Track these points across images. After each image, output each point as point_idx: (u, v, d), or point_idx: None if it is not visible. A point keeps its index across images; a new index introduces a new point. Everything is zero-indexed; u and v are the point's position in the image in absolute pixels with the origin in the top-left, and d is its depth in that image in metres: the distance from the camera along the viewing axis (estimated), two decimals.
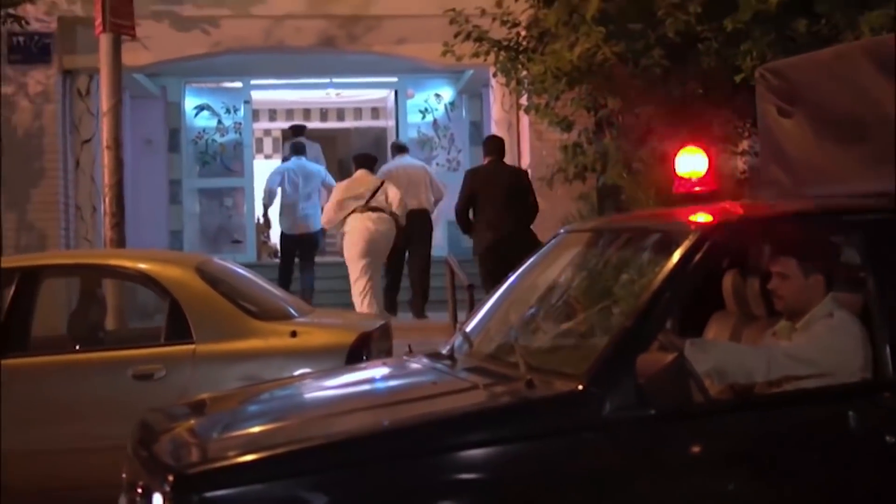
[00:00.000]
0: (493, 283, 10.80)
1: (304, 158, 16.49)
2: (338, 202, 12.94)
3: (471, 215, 12.57)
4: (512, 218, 12.22)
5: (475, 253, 12.63)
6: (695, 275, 4.78)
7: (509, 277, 6.12)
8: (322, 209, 14.10)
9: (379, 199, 12.81)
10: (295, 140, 17.35)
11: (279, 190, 16.25)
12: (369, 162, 13.48)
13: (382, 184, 13.00)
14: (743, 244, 5.51)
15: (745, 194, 11.51)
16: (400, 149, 15.57)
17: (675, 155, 6.35)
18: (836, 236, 5.24)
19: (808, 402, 4.76)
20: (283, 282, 15.01)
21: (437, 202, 14.94)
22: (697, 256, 4.69)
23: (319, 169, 16.65)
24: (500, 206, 12.26)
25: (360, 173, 13.18)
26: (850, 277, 5.08)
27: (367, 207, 12.76)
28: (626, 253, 5.58)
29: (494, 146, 13.02)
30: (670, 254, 4.72)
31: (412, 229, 13.82)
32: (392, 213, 12.81)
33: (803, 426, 4.67)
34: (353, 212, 12.75)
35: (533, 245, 10.73)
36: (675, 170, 6.31)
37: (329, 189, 14.98)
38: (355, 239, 12.71)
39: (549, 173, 13.10)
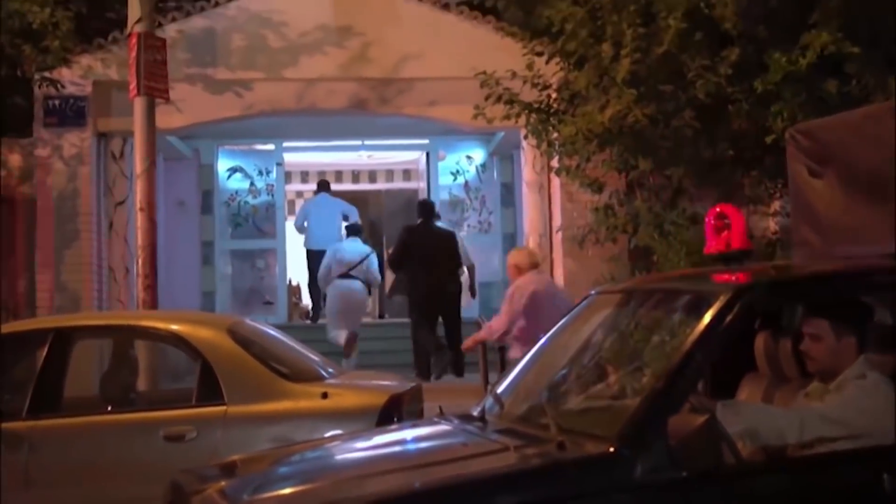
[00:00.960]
0: (427, 320, 14.06)
1: (326, 194, 18.68)
2: (329, 270, 15.56)
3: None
4: (442, 268, 14.35)
5: (411, 297, 14.82)
6: (726, 336, 4.76)
7: (540, 339, 6.11)
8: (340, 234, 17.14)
9: (360, 269, 15.39)
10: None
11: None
12: (356, 231, 16.20)
13: (367, 256, 15.63)
14: (774, 305, 5.49)
15: (776, 255, 11.49)
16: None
17: (707, 216, 6.34)
18: (868, 297, 5.21)
19: (841, 464, 4.71)
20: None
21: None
22: (728, 318, 4.67)
23: (337, 200, 18.39)
24: (432, 259, 14.29)
25: (348, 241, 16.03)
26: (882, 338, 5.05)
27: (347, 275, 15.34)
28: (657, 314, 5.56)
29: (425, 209, 15.12)
30: (701, 315, 4.70)
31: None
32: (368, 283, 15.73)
33: (837, 488, 4.63)
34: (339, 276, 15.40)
35: (459, 289, 14.74)
36: (706, 230, 6.30)
37: (347, 217, 17.84)
38: (333, 299, 15.53)
39: (580, 234, 13.13)
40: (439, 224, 15.46)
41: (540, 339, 8.20)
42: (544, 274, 9.54)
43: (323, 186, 18.92)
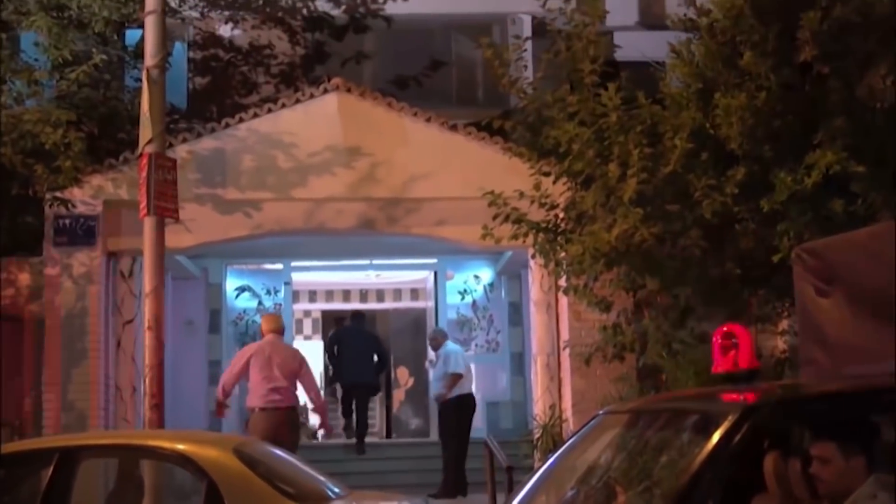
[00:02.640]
0: (350, 403, 17.74)
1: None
2: None
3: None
4: (368, 362, 17.42)
5: (342, 384, 18.22)
6: (735, 456, 4.73)
7: (549, 459, 6.07)
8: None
9: None
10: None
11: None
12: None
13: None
14: (782, 425, 5.46)
15: (784, 374, 11.45)
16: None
17: (715, 335, 6.35)
18: (877, 416, 5.19)
19: None
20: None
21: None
22: (737, 438, 4.65)
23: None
24: (359, 354, 17.25)
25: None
26: (892, 458, 5.01)
27: None
28: (666, 434, 5.54)
29: (356, 315, 18.59)
30: (710, 435, 4.69)
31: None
32: None
33: None
34: None
35: (379, 381, 18.28)
36: (714, 350, 6.30)
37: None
38: None
39: (587, 353, 13.11)
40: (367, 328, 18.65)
41: (269, 391, 11.78)
42: (277, 338, 12.61)
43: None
